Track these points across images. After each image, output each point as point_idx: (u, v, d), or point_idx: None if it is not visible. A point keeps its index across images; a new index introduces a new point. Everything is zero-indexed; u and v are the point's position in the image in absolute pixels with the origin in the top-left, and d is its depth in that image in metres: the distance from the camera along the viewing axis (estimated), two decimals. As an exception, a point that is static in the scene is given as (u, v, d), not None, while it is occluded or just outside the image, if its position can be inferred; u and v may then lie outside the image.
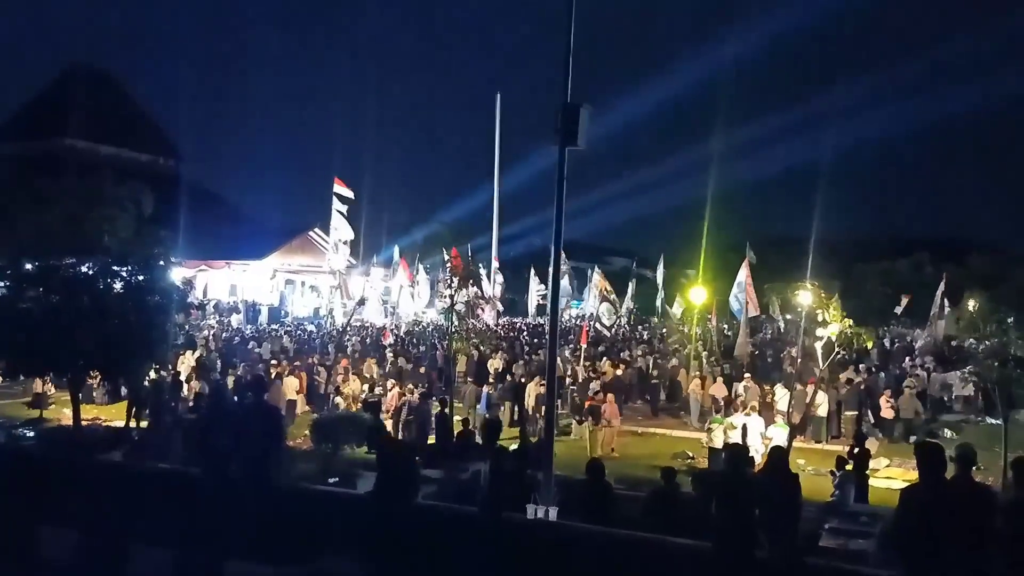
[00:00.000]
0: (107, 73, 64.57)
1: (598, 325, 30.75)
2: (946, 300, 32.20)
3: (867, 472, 13.55)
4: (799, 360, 19.67)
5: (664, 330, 38.09)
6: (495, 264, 44.83)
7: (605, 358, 25.92)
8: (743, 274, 26.22)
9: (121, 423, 18.69)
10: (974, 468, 6.97)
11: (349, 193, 40.46)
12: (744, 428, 15.96)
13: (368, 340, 32.15)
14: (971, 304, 27.11)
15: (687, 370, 24.70)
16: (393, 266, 42.75)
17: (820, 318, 17.63)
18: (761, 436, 16.10)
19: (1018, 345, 15.89)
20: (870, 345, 22.85)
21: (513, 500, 8.30)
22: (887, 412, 19.57)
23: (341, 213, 41.67)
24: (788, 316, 31.70)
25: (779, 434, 16.26)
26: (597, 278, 35.94)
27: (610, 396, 18.72)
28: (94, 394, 21.86)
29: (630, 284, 46.22)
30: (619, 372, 23.36)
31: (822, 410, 19.12)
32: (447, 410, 17.71)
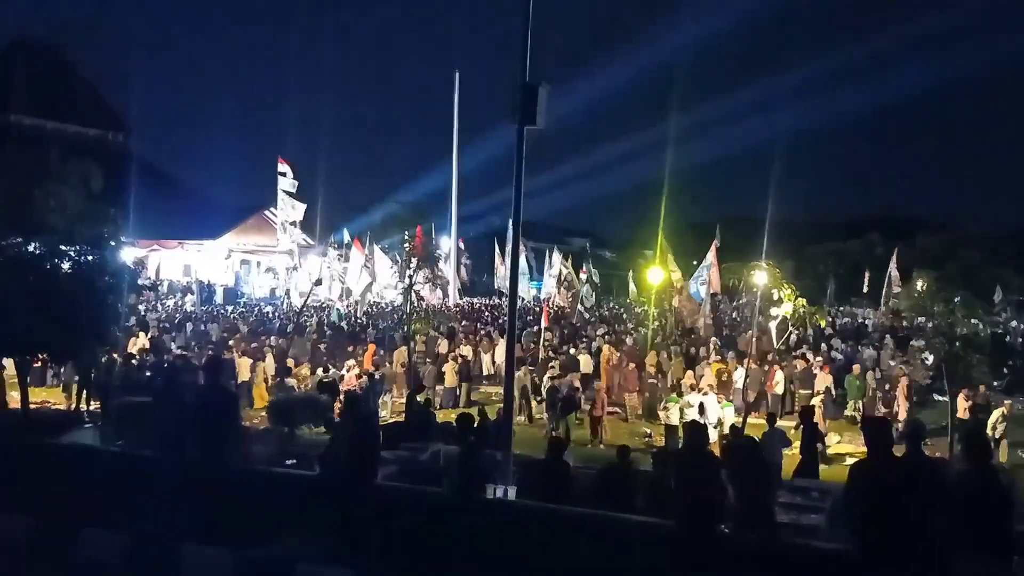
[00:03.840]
0: (52, 46, 62.53)
1: (580, 307, 30.75)
2: (897, 274, 32.98)
3: (817, 448, 13.81)
4: (754, 339, 19.91)
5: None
6: (460, 244, 44.64)
7: (593, 343, 25.24)
8: (711, 257, 26.25)
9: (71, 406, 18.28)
10: (923, 443, 7.13)
11: (288, 171, 39.96)
12: (701, 406, 16.17)
13: (326, 321, 31.74)
14: (919, 283, 27.74)
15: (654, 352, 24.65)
16: (345, 247, 42.43)
17: (776, 297, 17.91)
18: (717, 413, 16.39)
19: (965, 324, 16.30)
20: (823, 324, 23.26)
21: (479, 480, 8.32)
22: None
23: (288, 192, 40.96)
24: (745, 297, 32.00)
25: (727, 413, 16.66)
26: (559, 260, 36.02)
27: (599, 386, 18.72)
28: (45, 377, 21.28)
29: (585, 264, 46.36)
30: (580, 355, 23.04)
31: (778, 388, 19.46)
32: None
